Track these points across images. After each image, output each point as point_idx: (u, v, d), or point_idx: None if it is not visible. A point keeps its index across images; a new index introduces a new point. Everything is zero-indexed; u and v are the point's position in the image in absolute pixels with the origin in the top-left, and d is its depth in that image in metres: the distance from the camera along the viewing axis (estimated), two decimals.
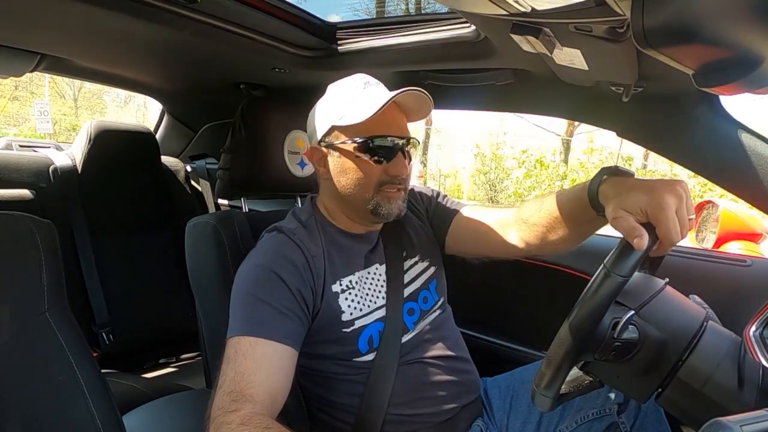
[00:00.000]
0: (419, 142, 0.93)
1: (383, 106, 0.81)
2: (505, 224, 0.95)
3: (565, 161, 11.28)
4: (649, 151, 1.38)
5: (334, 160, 0.89)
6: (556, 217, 0.83)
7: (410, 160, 0.91)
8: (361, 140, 0.85)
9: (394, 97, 0.82)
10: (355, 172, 0.87)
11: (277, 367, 0.74)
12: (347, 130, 0.87)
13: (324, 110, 0.92)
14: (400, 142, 0.88)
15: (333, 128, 0.89)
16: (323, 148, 0.91)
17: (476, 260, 1.05)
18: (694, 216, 0.63)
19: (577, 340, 0.57)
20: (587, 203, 0.73)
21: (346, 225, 0.95)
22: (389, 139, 0.86)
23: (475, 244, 1.01)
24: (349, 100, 0.88)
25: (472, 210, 1.03)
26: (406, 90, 0.83)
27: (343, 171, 0.88)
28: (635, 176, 0.71)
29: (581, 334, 0.57)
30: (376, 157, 0.86)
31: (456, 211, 1.03)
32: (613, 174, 0.71)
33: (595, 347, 0.58)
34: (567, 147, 11.57)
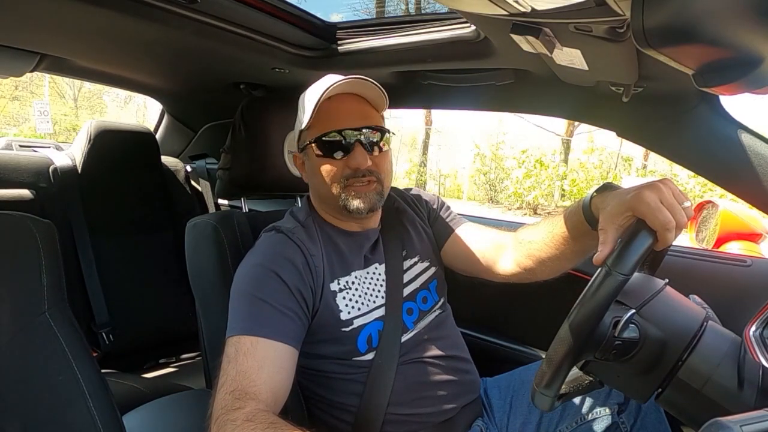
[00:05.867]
0: (392, 133, 0.92)
1: (317, 103, 0.84)
2: (501, 246, 0.96)
3: (565, 161, 11.28)
4: (649, 151, 1.38)
5: (307, 163, 0.93)
6: (553, 234, 0.84)
7: (381, 150, 0.90)
8: (314, 139, 0.87)
9: (327, 89, 0.83)
10: (320, 171, 0.89)
11: (278, 366, 0.75)
12: (309, 133, 0.90)
13: (298, 117, 0.94)
14: (357, 133, 0.86)
15: (301, 133, 0.92)
16: (300, 154, 0.95)
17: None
18: (689, 203, 0.63)
19: (578, 339, 0.57)
20: (582, 218, 0.76)
21: (339, 224, 0.95)
22: (342, 132, 0.86)
23: (466, 263, 1.02)
24: (310, 103, 0.88)
25: (470, 228, 1.04)
26: (342, 80, 0.83)
27: (312, 172, 0.91)
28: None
29: (582, 333, 0.57)
30: (333, 153, 0.87)
31: (456, 227, 1.04)
32: (604, 189, 0.74)
33: (596, 346, 0.58)
34: (567, 147, 11.56)
